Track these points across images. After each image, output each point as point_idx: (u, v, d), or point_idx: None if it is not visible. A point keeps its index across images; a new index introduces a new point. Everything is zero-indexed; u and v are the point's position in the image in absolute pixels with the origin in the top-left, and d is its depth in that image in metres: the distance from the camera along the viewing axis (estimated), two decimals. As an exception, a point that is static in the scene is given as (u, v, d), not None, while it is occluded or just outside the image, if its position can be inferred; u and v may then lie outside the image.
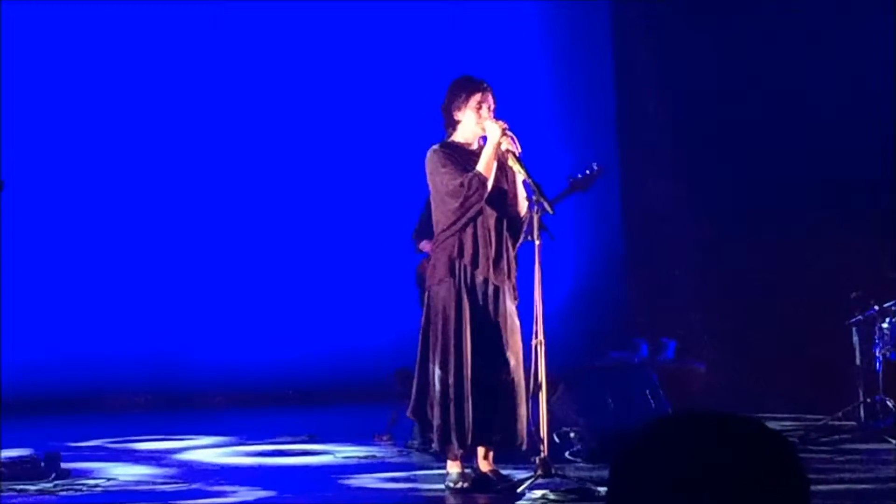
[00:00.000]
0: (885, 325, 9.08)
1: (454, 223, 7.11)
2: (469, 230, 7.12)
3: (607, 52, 13.00)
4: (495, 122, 7.11)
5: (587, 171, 8.49)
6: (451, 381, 7.03)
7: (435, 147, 7.22)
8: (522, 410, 7.09)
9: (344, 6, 12.34)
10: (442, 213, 7.18)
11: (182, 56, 12.10)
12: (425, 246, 8.63)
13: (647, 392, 8.67)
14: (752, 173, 11.77)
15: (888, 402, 9.02)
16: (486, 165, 7.06)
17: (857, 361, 9.34)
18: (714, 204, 11.97)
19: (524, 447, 7.18)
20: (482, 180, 7.04)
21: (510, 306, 7.16)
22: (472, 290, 7.09)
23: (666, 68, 12.41)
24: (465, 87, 7.23)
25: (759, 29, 11.78)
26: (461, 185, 7.04)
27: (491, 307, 7.11)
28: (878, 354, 9.11)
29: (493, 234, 7.14)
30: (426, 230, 8.41)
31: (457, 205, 7.07)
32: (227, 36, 12.22)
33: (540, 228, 7.15)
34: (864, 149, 11.17)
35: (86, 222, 11.79)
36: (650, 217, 12.63)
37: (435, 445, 7.25)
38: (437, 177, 7.16)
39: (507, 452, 7.34)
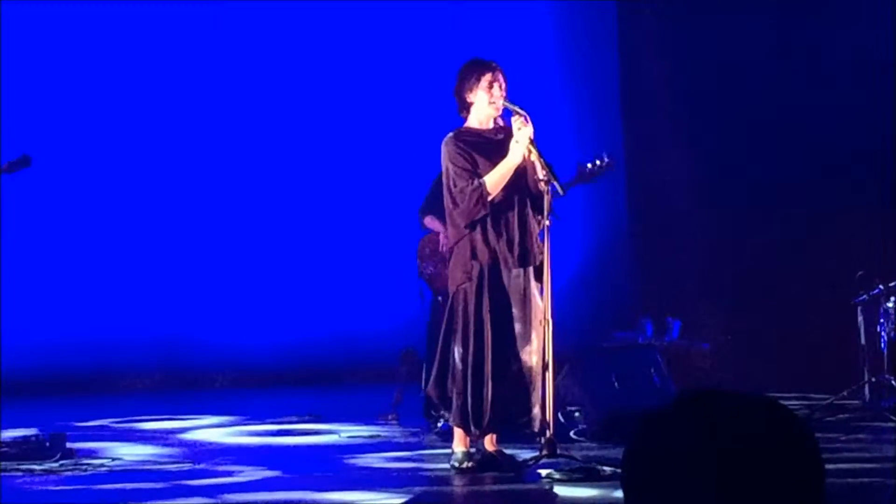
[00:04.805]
0: (890, 305, 9.08)
1: (470, 217, 7.08)
2: (495, 210, 7.08)
3: (613, 39, 12.99)
4: (526, 124, 6.99)
5: (596, 162, 8.46)
6: (471, 360, 7.01)
7: (450, 136, 7.17)
8: (538, 394, 7.06)
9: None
10: (453, 206, 7.15)
11: (197, 36, 12.08)
12: (430, 223, 8.66)
13: (652, 372, 8.67)
14: (756, 155, 11.76)
15: (893, 382, 9.03)
16: (495, 183, 7.01)
17: (862, 341, 9.34)
18: (718, 185, 11.97)
19: (536, 430, 7.16)
20: (483, 196, 6.99)
21: (532, 288, 7.12)
22: (495, 271, 7.07)
23: (670, 54, 12.39)
24: (476, 68, 7.18)
25: (764, 16, 11.75)
26: (461, 191, 7.02)
27: (515, 289, 7.08)
28: (882, 334, 9.11)
29: (516, 215, 7.11)
30: (433, 206, 8.41)
31: (461, 209, 7.06)
32: (229, 20, 12.20)
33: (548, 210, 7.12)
34: (868, 129, 11.14)
35: (91, 205, 11.77)
36: (655, 198, 12.63)
37: (451, 422, 7.23)
38: (449, 169, 7.14)
39: (512, 433, 7.35)
